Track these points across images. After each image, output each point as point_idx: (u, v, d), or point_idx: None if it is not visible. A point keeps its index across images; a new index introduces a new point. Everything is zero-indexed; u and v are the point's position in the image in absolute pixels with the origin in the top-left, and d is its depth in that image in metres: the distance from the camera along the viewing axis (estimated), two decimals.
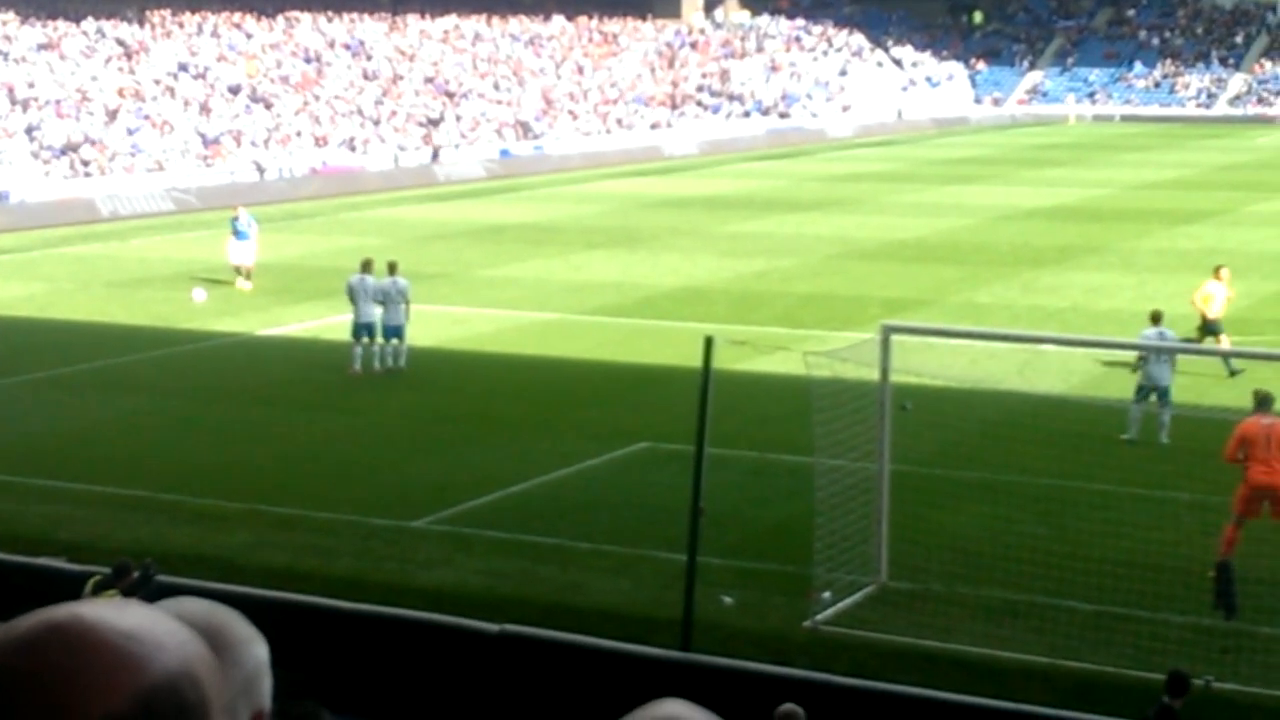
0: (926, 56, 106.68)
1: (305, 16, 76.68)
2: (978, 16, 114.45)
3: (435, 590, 16.19)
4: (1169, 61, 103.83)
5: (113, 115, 59.89)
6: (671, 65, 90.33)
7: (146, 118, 60.58)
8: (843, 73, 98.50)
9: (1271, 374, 22.01)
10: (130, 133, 58.86)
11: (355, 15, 79.25)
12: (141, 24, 69.40)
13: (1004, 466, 19.67)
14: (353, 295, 27.42)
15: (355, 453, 22.61)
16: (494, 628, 13.18)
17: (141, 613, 1.80)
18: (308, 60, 72.32)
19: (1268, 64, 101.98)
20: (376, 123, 67.66)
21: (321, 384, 26.96)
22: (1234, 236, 44.26)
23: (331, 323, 30.77)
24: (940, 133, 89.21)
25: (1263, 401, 16.81)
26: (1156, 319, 22.45)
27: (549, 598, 16.10)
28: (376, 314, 27.28)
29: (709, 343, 14.23)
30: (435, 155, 64.11)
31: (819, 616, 15.33)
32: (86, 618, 1.77)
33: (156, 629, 1.78)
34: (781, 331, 29.82)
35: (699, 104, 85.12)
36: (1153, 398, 22.15)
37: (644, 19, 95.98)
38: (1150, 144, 78.98)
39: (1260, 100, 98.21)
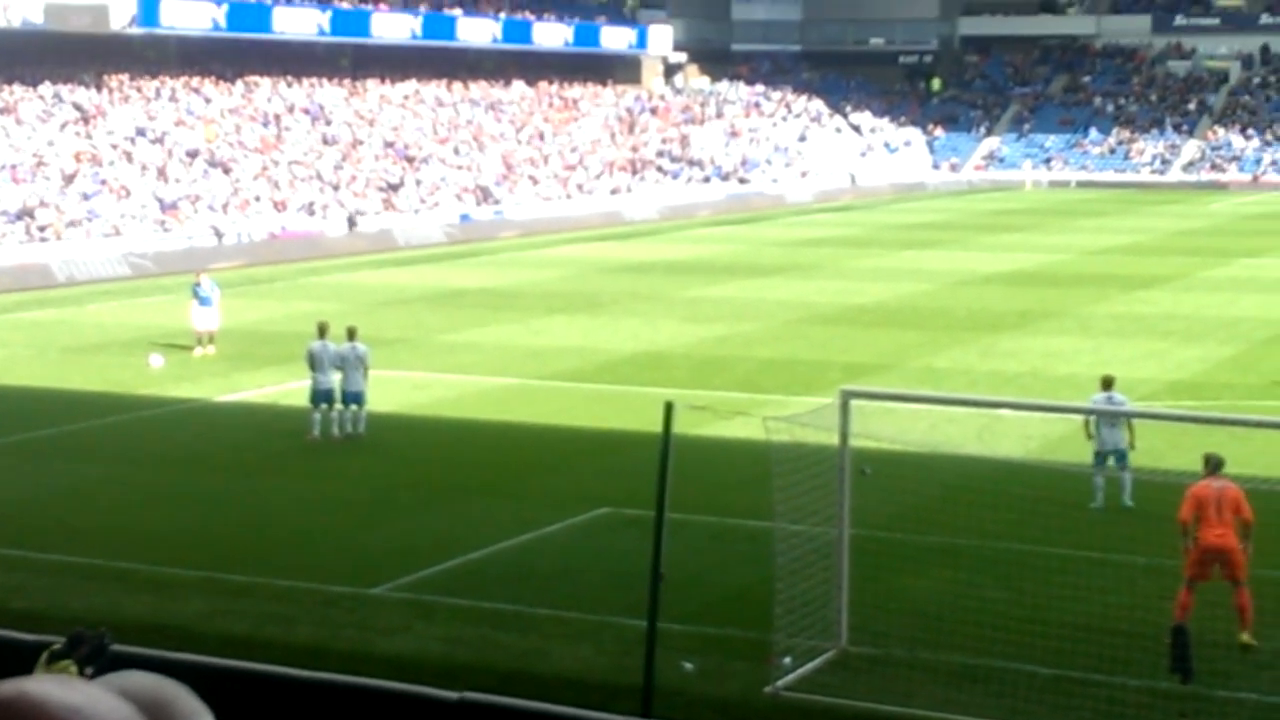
0: (885, 122, 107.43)
1: (264, 81, 76.78)
2: (935, 83, 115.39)
3: (395, 658, 16.11)
4: (1124, 128, 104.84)
5: (69, 180, 59.77)
6: (631, 131, 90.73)
7: (104, 182, 60.47)
8: (802, 138, 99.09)
9: (1226, 439, 22.18)
10: (87, 197, 58.73)
11: (314, 80, 79.38)
12: (99, 89, 69.39)
13: (963, 530, 19.70)
14: (312, 361, 27.35)
15: (314, 519, 22.51)
16: (454, 695, 13.10)
17: (86, 689, 1.81)
18: (266, 124, 72.37)
19: (1221, 130, 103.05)
20: (336, 187, 67.69)
21: (280, 450, 26.86)
22: (1189, 301, 44.62)
23: (290, 388, 30.69)
24: (898, 198, 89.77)
25: (1213, 465, 16.95)
26: (1108, 384, 22.58)
27: (509, 664, 16.04)
28: (335, 380, 27.22)
29: (669, 408, 14.25)
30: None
31: (780, 682, 15.31)
32: (32, 694, 1.77)
33: (100, 706, 1.78)
34: (742, 396, 29.87)
35: (659, 169, 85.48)
36: (1110, 461, 22.26)
37: (604, 84, 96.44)
38: (1106, 210, 79.63)
39: (1214, 166, 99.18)
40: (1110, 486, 22.11)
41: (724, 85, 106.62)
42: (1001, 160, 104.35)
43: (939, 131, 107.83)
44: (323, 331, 27.79)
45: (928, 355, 35.64)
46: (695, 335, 38.77)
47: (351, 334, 27.72)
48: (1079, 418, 24.18)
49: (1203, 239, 64.33)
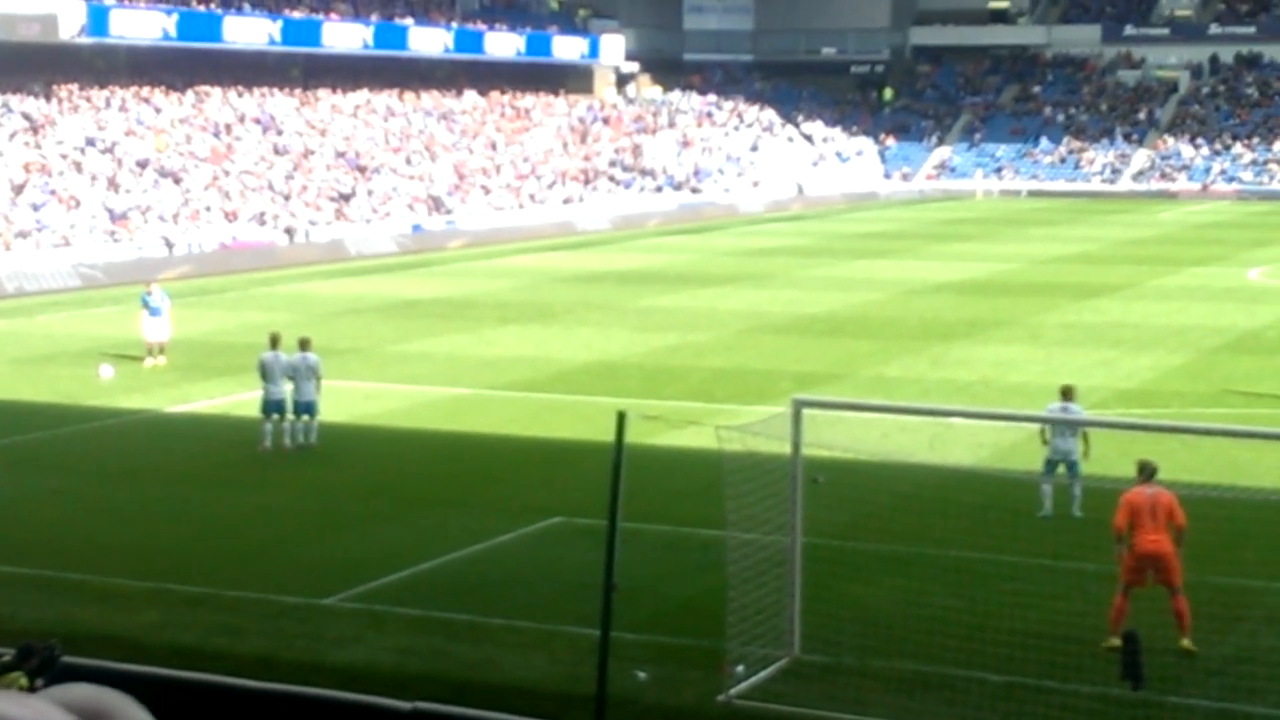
0: (837, 132, 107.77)
1: (215, 90, 76.47)
2: (887, 93, 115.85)
3: (347, 668, 16.05)
4: (1074, 138, 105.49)
5: (18, 190, 59.39)
6: (584, 140, 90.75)
7: (53, 192, 60.11)
8: (754, 148, 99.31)
9: (1177, 446, 22.35)
10: (36, 208, 58.37)
11: (265, 89, 79.11)
12: (48, 98, 68.97)
13: (916, 538, 19.78)
14: (264, 371, 27.25)
15: (265, 530, 22.42)
16: (406, 706, 13.08)
17: (35, 704, 1.81)
18: (217, 134, 72.09)
19: (1171, 140, 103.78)
20: (287, 197, 67.46)
21: (231, 461, 26.75)
22: (1139, 310, 44.90)
23: (241, 399, 30.56)
24: (850, 207, 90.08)
25: (1147, 472, 17.09)
26: (1066, 394, 22.66)
27: (462, 674, 16.00)
28: (287, 390, 27.13)
29: (621, 418, 14.25)
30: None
31: (733, 691, 15.32)
32: None
33: (52, 718, 1.79)
34: (694, 406, 29.90)
35: (611, 179, 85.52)
36: (1061, 470, 22.36)
37: (556, 94, 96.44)
38: (1056, 219, 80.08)
39: (1163, 175, 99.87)
40: (1061, 496, 22.20)
41: (676, 95, 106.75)
42: (953, 170, 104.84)
43: (890, 141, 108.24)
44: (274, 342, 27.70)
45: (879, 364, 35.75)
46: (647, 345, 38.80)
47: (304, 344, 27.62)
48: (1030, 426, 24.29)
49: (1152, 248, 64.76)
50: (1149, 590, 16.63)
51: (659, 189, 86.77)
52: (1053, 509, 21.96)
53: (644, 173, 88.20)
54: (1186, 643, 16.38)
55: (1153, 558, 16.35)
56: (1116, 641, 15.84)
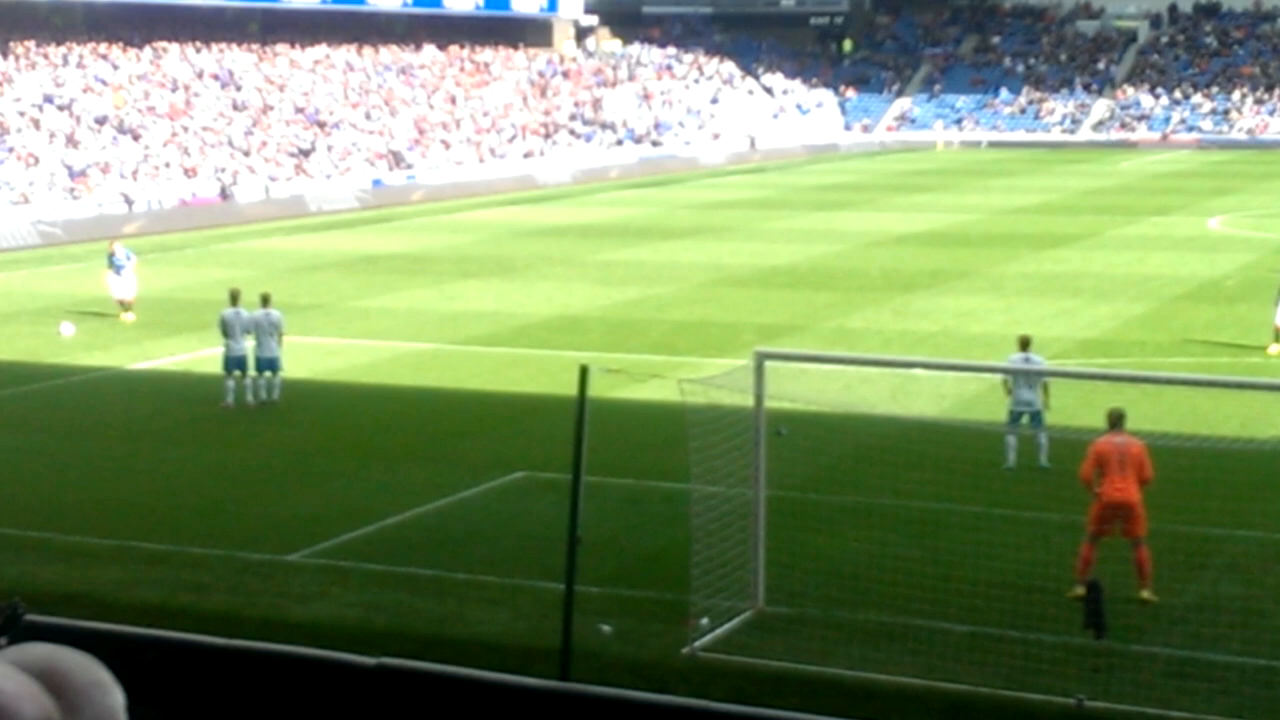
0: (796, 84, 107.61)
1: (173, 47, 75.90)
2: (847, 44, 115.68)
3: (311, 624, 16.03)
4: (1034, 88, 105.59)
5: None
6: (544, 94, 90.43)
7: (11, 150, 59.64)
8: (714, 100, 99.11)
9: (1138, 396, 22.47)
10: None
11: (224, 45, 78.56)
12: (5, 55, 68.35)
13: (878, 490, 19.85)
14: (225, 328, 27.11)
15: (229, 487, 22.35)
16: (371, 661, 13.09)
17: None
18: (175, 91, 71.58)
19: (1130, 90, 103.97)
20: (247, 153, 67.08)
21: (193, 418, 26.65)
22: (1099, 260, 45.05)
23: (203, 355, 30.44)
24: (811, 159, 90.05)
25: (1115, 420, 17.14)
26: (1025, 344, 22.70)
27: (427, 630, 16.01)
28: (249, 346, 27.02)
29: (584, 372, 14.24)
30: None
31: (697, 643, 15.37)
32: None
33: (14, 682, 1.78)
34: (657, 359, 29.90)
35: (572, 133, 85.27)
36: (1025, 420, 22.41)
37: (516, 48, 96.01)
38: (1017, 169, 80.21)
39: (1123, 125, 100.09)
40: (1025, 446, 22.26)
41: (636, 48, 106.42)
42: (913, 121, 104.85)
43: (850, 93, 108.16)
44: (235, 299, 27.57)
45: (841, 316, 35.80)
46: (609, 298, 38.77)
47: (265, 300, 27.51)
48: (992, 377, 24.39)
49: (1112, 198, 64.95)
50: (1111, 540, 16.73)
51: (619, 142, 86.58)
52: (1016, 461, 22.02)
53: (604, 126, 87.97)
54: (1146, 594, 16.49)
55: (1119, 506, 16.43)
56: (1081, 590, 15.94)
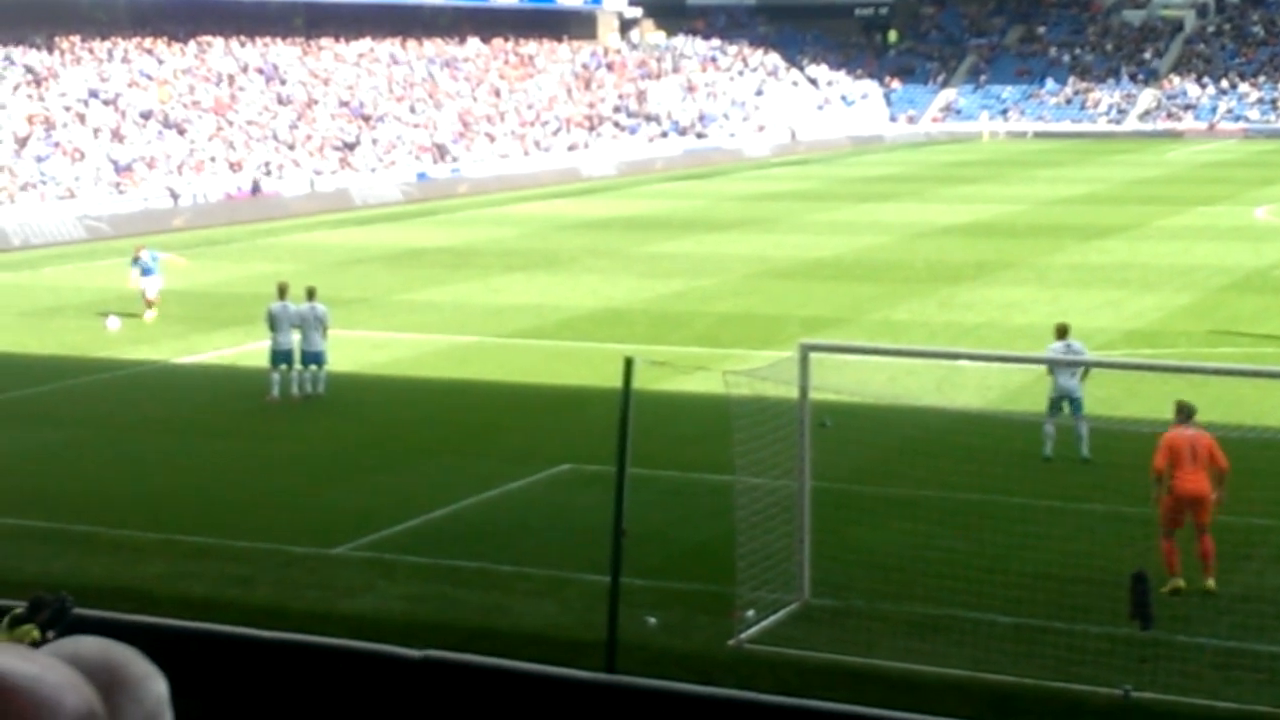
0: (841, 75, 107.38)
1: (217, 41, 76.24)
2: (892, 35, 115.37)
3: (357, 617, 16.09)
4: (1080, 78, 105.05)
5: (22, 143, 59.29)
6: (588, 86, 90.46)
7: (57, 145, 60.01)
8: (759, 92, 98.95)
9: (1184, 386, 22.31)
10: (40, 160, 58.29)
11: (268, 39, 78.87)
12: (50, 50, 68.76)
13: (923, 482, 19.77)
14: (272, 322, 27.19)
15: (274, 480, 22.45)
16: (417, 654, 13.13)
17: (42, 659, 1.82)
18: (220, 85, 71.89)
19: (1177, 79, 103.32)
20: (291, 147, 67.31)
21: (239, 411, 26.77)
22: (1145, 250, 44.79)
23: (248, 349, 30.58)
24: (856, 151, 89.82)
25: (1185, 413, 17.02)
26: (1063, 332, 22.52)
27: (472, 622, 16.03)
28: (295, 340, 27.11)
29: (629, 364, 14.23)
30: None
31: (743, 635, 15.35)
32: None
33: (53, 675, 1.80)
34: (701, 351, 29.89)
35: (616, 125, 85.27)
36: (1065, 409, 22.26)
37: (560, 40, 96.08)
38: (1062, 160, 79.81)
39: (1169, 115, 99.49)
40: (1065, 437, 22.10)
41: (680, 40, 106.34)
42: (958, 112, 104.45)
43: (896, 84, 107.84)
44: (282, 292, 27.65)
45: (886, 308, 35.70)
46: (654, 291, 38.76)
47: (310, 294, 27.60)
48: (1038, 368, 24.26)
49: (1159, 188, 64.56)
50: (1155, 531, 16.63)
51: (664, 134, 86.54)
52: (1054, 451, 21.87)
53: (649, 118, 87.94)
54: (1211, 583, 16.39)
55: (1192, 498, 16.34)
56: (1180, 583, 15.90)
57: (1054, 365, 22.33)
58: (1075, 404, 22.04)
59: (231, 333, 33.39)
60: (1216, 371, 20.56)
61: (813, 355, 16.80)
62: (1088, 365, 22.10)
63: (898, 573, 16.50)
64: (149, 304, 35.41)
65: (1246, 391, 23.88)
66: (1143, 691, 13.82)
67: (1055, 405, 22.18)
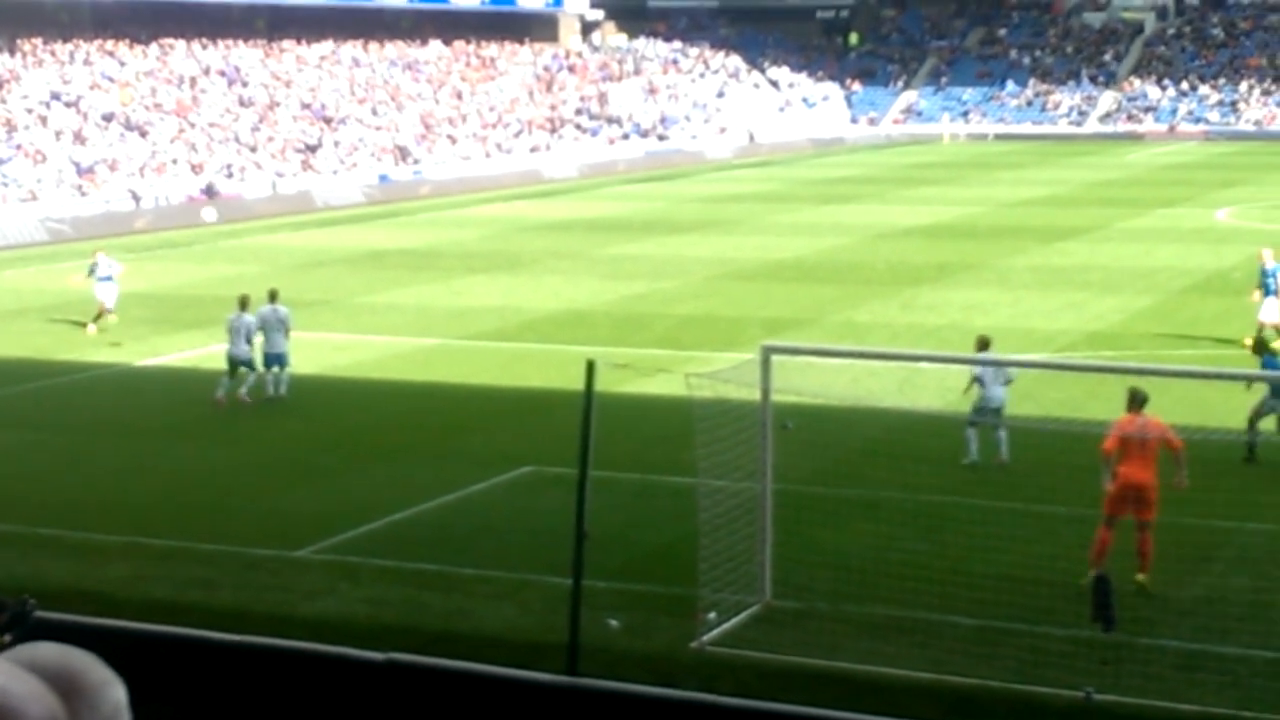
0: (802, 77, 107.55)
1: (179, 43, 75.94)
2: (853, 38, 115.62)
3: (319, 620, 16.05)
4: (1040, 80, 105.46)
5: None
6: (549, 89, 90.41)
7: (18, 147, 59.69)
8: (720, 94, 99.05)
9: (1145, 387, 22.40)
10: (2, 163, 57.96)
11: (230, 41, 78.59)
12: (12, 53, 68.39)
13: (885, 483, 19.83)
14: (229, 332, 27.01)
15: (237, 483, 22.38)
16: (380, 657, 13.10)
17: (5, 667, 1.82)
18: (182, 87, 71.60)
19: (1137, 82, 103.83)
20: (253, 149, 67.10)
21: (201, 414, 26.66)
22: (1106, 252, 44.99)
23: (211, 351, 30.45)
24: (817, 153, 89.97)
25: (1138, 401, 17.11)
26: (985, 345, 22.45)
27: (435, 625, 16.02)
28: (250, 349, 26.89)
29: (591, 366, 14.23)
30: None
31: (705, 637, 15.37)
32: None
33: (21, 684, 1.79)
34: (663, 353, 29.90)
35: (578, 127, 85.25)
36: (988, 417, 22.12)
37: (521, 43, 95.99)
38: (1023, 162, 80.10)
39: (1130, 117, 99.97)
40: (986, 441, 22.01)
41: (641, 42, 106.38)
42: (919, 114, 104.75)
43: (857, 86, 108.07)
44: (242, 304, 27.40)
45: (848, 309, 35.78)
46: (616, 293, 38.76)
47: (273, 296, 27.52)
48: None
49: (1119, 190, 64.85)
50: (1121, 531, 16.69)
51: (625, 136, 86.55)
52: (979, 454, 21.85)
53: (610, 120, 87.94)
54: (1143, 578, 16.46)
55: (1136, 487, 16.40)
56: (1095, 573, 15.91)
57: (1018, 367, 22.39)
58: (996, 411, 21.99)
59: (193, 335, 33.26)
60: (1177, 374, 20.68)
61: (775, 357, 16.82)
62: (1057, 367, 22.20)
63: (860, 574, 16.53)
64: (101, 313, 34.04)
65: (1208, 394, 24.02)
66: (1105, 694, 13.88)
67: (980, 412, 22.06)
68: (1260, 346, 23.01)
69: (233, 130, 68.33)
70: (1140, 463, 16.49)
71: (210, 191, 61.38)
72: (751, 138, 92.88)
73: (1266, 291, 30.54)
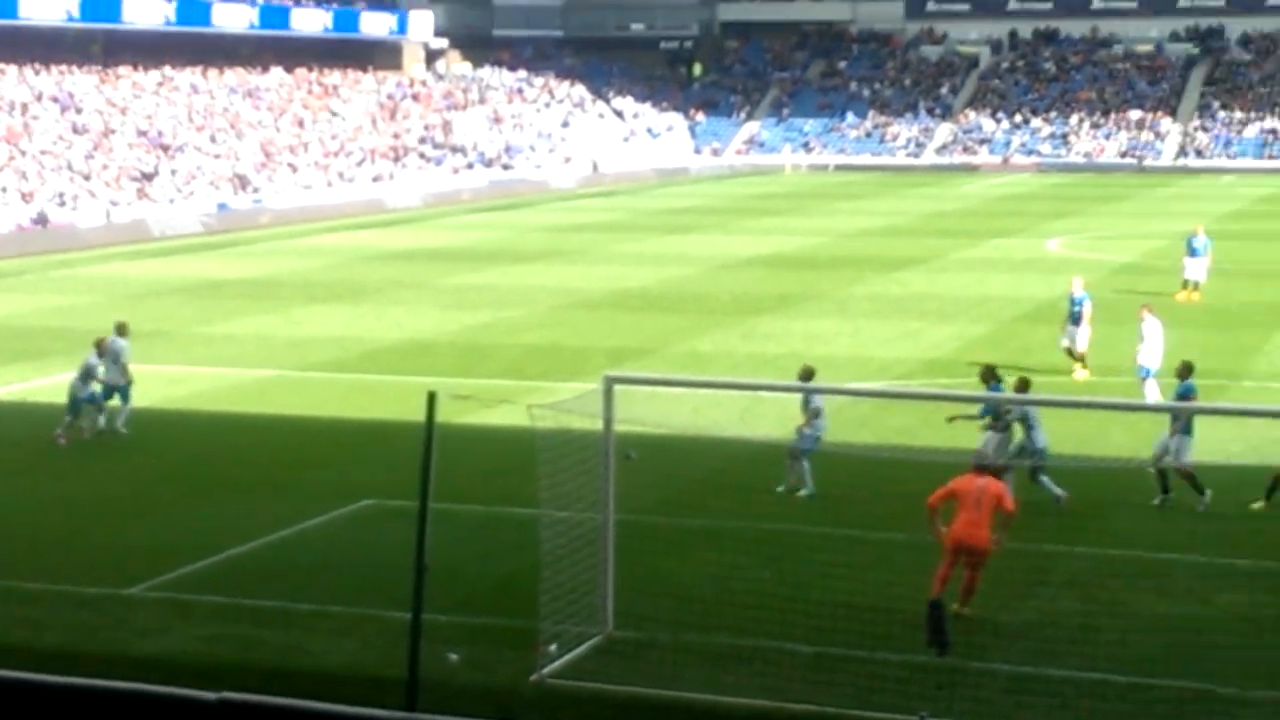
0: (647, 108, 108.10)
1: (10, 68, 74.48)
2: (697, 69, 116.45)
3: (152, 659, 15.75)
4: (879, 112, 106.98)
5: None
6: (393, 117, 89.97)
7: None
8: (565, 124, 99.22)
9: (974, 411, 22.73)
10: None
11: (64, 66, 77.24)
12: None
13: (727, 513, 19.94)
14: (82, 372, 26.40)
15: (67, 519, 21.90)
16: (212, 697, 12.85)
17: None
18: (13, 113, 70.20)
19: (972, 114, 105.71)
20: (87, 177, 65.97)
21: (31, 449, 26.07)
22: (942, 282, 45.68)
23: (40, 385, 29.85)
24: (661, 183, 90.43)
25: (983, 467, 17.28)
26: (809, 375, 22.65)
27: (271, 662, 15.80)
28: (89, 388, 26.34)
29: (432, 397, 14.14)
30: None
31: (546, 670, 15.32)
32: None
33: None
34: (507, 383, 29.83)
35: (421, 156, 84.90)
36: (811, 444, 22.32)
37: (364, 70, 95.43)
38: (863, 193, 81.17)
39: (965, 149, 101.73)
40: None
41: (486, 71, 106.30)
42: (762, 144, 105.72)
43: (700, 116, 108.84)
44: (98, 347, 26.79)
45: (691, 339, 35.97)
46: (459, 323, 38.62)
47: (121, 330, 27.06)
48: (837, 398, 24.58)
49: (955, 220, 65.95)
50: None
51: (470, 166, 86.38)
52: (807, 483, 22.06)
53: (455, 149, 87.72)
54: (962, 609, 16.67)
55: (969, 548, 16.54)
56: (930, 599, 16.06)
57: (871, 397, 22.63)
58: (816, 442, 22.14)
59: (21, 368, 32.54)
60: (1008, 400, 21.03)
61: (617, 387, 16.83)
62: (899, 396, 22.44)
63: (701, 603, 16.60)
64: None
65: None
66: (939, 718, 14.02)
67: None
68: (990, 375, 23.14)
69: (65, 158, 67.14)
70: (975, 523, 16.56)
71: (42, 220, 60.18)
72: (596, 167, 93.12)
73: (1074, 320, 31.47)
